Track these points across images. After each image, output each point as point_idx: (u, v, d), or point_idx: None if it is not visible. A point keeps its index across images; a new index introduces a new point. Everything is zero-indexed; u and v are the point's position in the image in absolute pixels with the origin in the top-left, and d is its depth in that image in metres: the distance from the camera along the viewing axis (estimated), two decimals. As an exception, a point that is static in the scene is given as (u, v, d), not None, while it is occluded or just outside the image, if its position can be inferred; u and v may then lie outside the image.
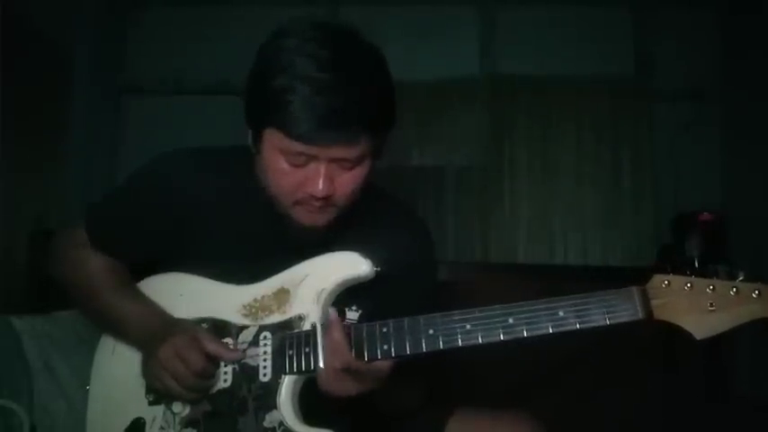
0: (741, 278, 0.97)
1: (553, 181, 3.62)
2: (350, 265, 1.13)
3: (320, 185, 1.05)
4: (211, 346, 1.11)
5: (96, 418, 1.24)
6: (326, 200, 1.07)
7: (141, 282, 1.27)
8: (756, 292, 0.94)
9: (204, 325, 1.17)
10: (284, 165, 1.06)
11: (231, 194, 1.20)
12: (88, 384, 1.27)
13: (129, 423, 1.17)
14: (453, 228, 3.63)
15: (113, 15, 3.82)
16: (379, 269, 1.13)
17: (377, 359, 1.06)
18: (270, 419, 1.09)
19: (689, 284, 0.97)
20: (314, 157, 1.04)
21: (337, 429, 1.08)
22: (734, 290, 0.95)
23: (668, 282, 0.98)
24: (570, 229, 3.59)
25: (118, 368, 1.23)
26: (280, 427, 1.09)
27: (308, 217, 1.10)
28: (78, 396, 1.27)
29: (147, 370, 1.15)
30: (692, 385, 2.16)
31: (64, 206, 3.23)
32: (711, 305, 0.96)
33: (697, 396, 2.15)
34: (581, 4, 3.65)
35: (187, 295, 1.21)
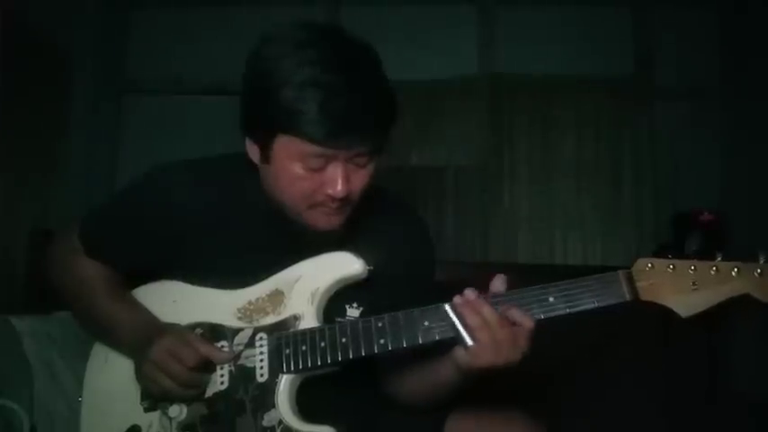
0: (719, 258, 1.03)
1: (553, 181, 3.61)
2: (343, 265, 1.15)
3: (340, 186, 1.06)
4: (203, 348, 1.12)
5: (90, 428, 1.23)
6: (344, 199, 1.08)
7: (134, 290, 1.27)
8: (735, 269, 1.01)
9: (199, 330, 1.18)
10: (300, 170, 1.07)
11: (228, 205, 1.20)
12: (80, 395, 1.26)
13: (124, 431, 1.17)
14: (453, 228, 3.63)
15: (113, 16, 3.81)
16: (372, 268, 1.14)
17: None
18: (269, 419, 1.10)
19: (671, 266, 1.03)
20: (332, 159, 1.06)
21: (336, 426, 1.09)
22: (714, 269, 1.02)
23: (651, 264, 1.03)
24: (570, 229, 3.58)
25: (111, 376, 1.23)
26: (279, 425, 1.09)
27: (324, 219, 1.11)
28: (78, 396, 1.27)
29: (142, 373, 1.15)
30: (691, 384, 2.16)
31: (64, 206, 3.23)
32: (694, 284, 1.01)
33: (697, 395, 2.15)
34: (581, 4, 3.65)
35: (180, 301, 1.21)
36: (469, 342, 1.04)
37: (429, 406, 1.24)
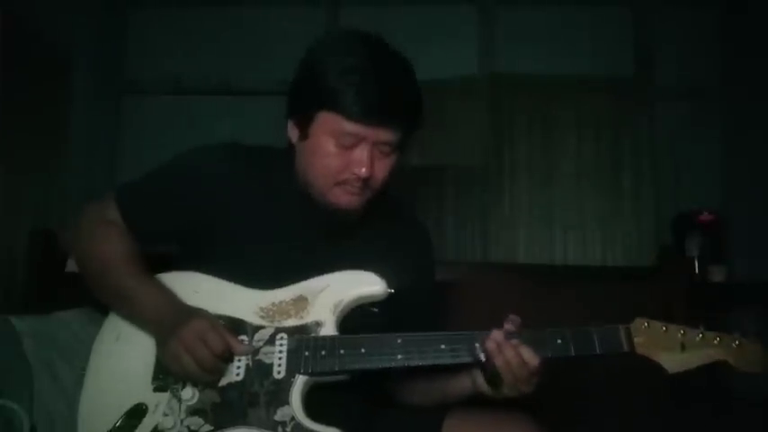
0: (702, 328, 1.19)
1: (553, 181, 3.62)
2: (367, 283, 1.24)
3: (366, 166, 1.19)
4: (227, 337, 1.17)
5: (90, 402, 1.23)
6: (366, 182, 1.21)
7: (157, 276, 1.29)
8: (717, 339, 1.18)
9: (220, 321, 1.21)
10: (332, 147, 1.20)
11: (264, 189, 1.30)
12: (80, 394, 1.25)
13: (127, 409, 1.18)
14: (453, 228, 3.63)
15: (113, 15, 3.82)
16: (392, 291, 1.24)
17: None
18: (281, 414, 1.14)
19: (664, 328, 1.19)
20: (362, 140, 1.19)
21: (339, 427, 1.13)
22: (700, 335, 1.18)
23: (647, 324, 1.19)
24: (570, 229, 3.59)
25: (122, 354, 1.25)
26: (291, 421, 1.13)
27: (345, 198, 1.23)
28: (78, 396, 1.27)
29: (166, 350, 1.17)
30: (692, 385, 2.16)
31: (64, 206, 3.23)
32: (682, 346, 1.18)
33: (697, 395, 2.15)
34: (581, 4, 3.65)
35: (203, 293, 1.25)
36: (498, 385, 1.16)
37: (432, 407, 1.31)
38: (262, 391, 1.16)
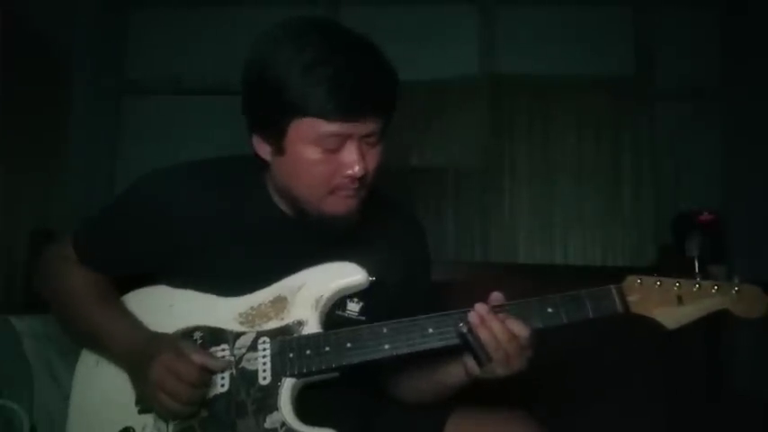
0: (699, 278, 1.12)
1: (553, 181, 3.61)
2: (346, 274, 1.17)
3: (359, 163, 1.08)
4: (197, 357, 1.10)
5: (77, 429, 1.22)
6: (361, 180, 1.10)
7: (129, 294, 1.26)
8: (715, 287, 1.11)
9: (198, 333, 1.17)
10: (317, 154, 1.08)
11: (234, 203, 1.21)
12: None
13: None
14: (453, 228, 3.62)
15: (113, 15, 3.81)
16: (373, 279, 1.17)
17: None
18: (271, 421, 1.10)
19: (658, 282, 1.12)
20: (347, 137, 1.08)
21: (339, 428, 1.10)
22: (697, 286, 1.11)
23: (640, 281, 1.12)
24: (570, 229, 3.58)
25: (103, 380, 1.22)
26: (282, 427, 1.09)
27: (342, 203, 1.13)
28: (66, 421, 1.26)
29: (144, 394, 1.13)
30: (692, 384, 2.16)
31: (64, 206, 3.23)
32: (679, 299, 1.10)
33: (697, 395, 2.15)
34: (581, 4, 3.65)
35: (177, 306, 1.21)
36: (486, 361, 1.09)
37: (433, 403, 1.27)
38: (248, 399, 1.12)
